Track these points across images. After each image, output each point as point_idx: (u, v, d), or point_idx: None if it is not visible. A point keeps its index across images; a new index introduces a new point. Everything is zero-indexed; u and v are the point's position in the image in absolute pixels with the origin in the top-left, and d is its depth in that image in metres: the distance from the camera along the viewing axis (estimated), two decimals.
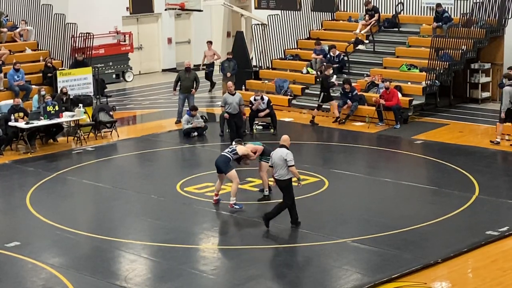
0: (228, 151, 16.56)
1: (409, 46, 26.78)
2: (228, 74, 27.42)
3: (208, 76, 30.12)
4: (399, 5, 28.14)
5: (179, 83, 24.75)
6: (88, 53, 28.04)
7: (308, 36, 29.46)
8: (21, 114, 21.93)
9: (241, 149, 16.62)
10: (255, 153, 16.79)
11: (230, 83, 22.67)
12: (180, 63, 34.60)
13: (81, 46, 28.13)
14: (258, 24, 29.49)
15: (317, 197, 17.28)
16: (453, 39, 25.22)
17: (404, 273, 13.12)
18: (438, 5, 26.31)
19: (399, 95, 24.01)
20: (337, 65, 26.59)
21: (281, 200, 15.35)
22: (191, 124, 22.97)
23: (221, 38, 35.94)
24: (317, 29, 29.65)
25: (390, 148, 21.51)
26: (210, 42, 31.15)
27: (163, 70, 35.09)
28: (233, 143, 17.02)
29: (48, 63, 26.39)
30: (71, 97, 24.32)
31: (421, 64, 25.35)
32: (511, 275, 13.13)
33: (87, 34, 28.05)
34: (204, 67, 30.64)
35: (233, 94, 21.82)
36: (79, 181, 18.89)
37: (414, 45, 26.63)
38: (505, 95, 21.29)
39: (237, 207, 16.34)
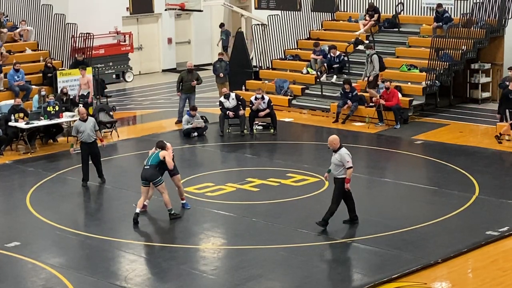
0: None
1: (409, 46, 26.78)
2: (221, 75, 27.15)
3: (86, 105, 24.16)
4: (399, 5, 28.14)
5: (181, 84, 24.73)
6: (88, 53, 28.04)
7: (308, 36, 29.44)
8: (21, 114, 21.93)
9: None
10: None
11: (82, 109, 19.08)
12: (180, 63, 34.63)
13: (81, 46, 28.12)
14: (258, 24, 29.48)
15: (317, 197, 17.26)
16: (453, 39, 25.21)
17: (404, 273, 13.12)
18: (439, 5, 26.31)
19: (399, 95, 24.02)
20: (337, 65, 26.60)
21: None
22: (191, 124, 22.95)
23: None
24: (317, 29, 29.64)
25: (390, 148, 21.49)
26: (83, 68, 25.08)
27: (163, 70, 35.07)
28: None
29: (48, 63, 26.36)
30: (71, 97, 24.31)
31: (421, 64, 25.34)
32: (511, 275, 13.13)
33: (87, 34, 28.04)
34: (81, 100, 24.48)
35: (85, 120, 18.49)
36: (79, 181, 18.85)
37: (414, 45, 26.61)
38: (374, 61, 24.46)
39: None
